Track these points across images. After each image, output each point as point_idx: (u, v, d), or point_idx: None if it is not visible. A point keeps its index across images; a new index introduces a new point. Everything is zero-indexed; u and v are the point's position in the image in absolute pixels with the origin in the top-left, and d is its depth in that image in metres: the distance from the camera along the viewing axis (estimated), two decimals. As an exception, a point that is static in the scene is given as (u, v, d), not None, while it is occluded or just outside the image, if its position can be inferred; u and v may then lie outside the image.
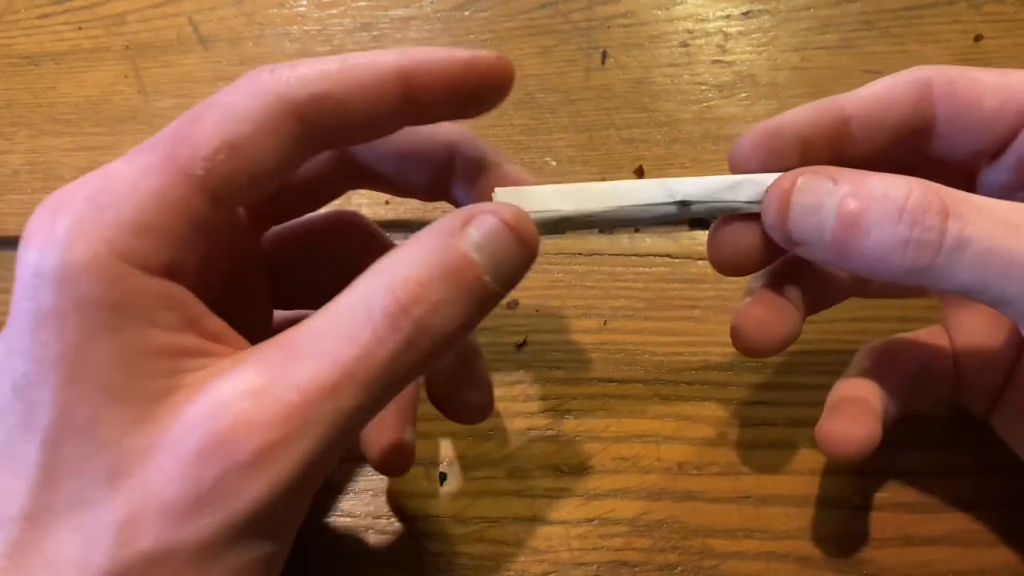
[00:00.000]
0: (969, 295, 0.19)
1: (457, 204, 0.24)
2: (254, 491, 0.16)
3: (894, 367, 0.25)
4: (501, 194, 0.21)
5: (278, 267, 0.24)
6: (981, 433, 0.26)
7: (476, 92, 0.20)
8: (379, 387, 0.17)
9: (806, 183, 0.20)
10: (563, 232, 0.21)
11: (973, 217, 0.19)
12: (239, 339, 0.19)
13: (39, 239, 0.17)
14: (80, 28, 0.42)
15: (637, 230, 0.33)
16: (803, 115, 0.22)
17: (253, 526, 0.17)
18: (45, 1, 0.43)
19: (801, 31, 0.37)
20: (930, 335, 0.26)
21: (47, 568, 0.16)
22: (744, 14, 0.38)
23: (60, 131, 0.39)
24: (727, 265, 0.22)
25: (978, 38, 0.36)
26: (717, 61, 0.37)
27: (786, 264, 0.24)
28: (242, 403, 0.16)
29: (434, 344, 0.17)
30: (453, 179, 0.23)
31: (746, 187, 0.21)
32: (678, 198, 0.21)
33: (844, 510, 0.26)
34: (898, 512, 0.26)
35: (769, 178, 0.21)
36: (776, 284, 0.24)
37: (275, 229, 0.24)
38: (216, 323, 0.19)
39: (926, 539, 0.26)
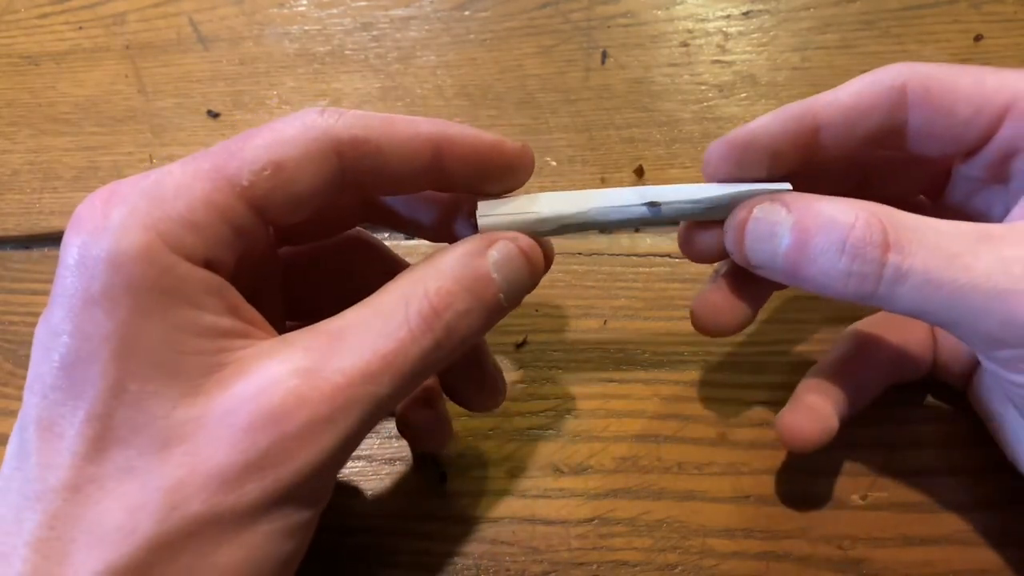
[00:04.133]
0: (914, 317, 0.20)
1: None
2: (300, 460, 0.18)
3: (871, 352, 0.26)
4: (483, 205, 0.22)
5: (291, 282, 0.25)
6: (981, 433, 0.26)
7: (497, 173, 0.22)
8: (409, 377, 0.19)
9: (761, 212, 0.21)
10: (542, 234, 0.22)
11: (914, 248, 0.19)
12: (271, 328, 0.20)
13: (90, 226, 0.18)
14: (80, 28, 0.42)
15: (637, 230, 0.33)
16: (774, 126, 0.23)
17: (294, 493, 0.18)
18: (45, 1, 0.43)
19: (801, 31, 0.37)
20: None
21: (90, 536, 0.17)
22: (744, 14, 0.38)
23: (60, 131, 0.39)
24: (695, 253, 0.24)
25: (978, 38, 0.36)
26: (717, 61, 0.37)
27: None
28: (293, 380, 0.18)
29: (455, 346, 0.20)
30: (457, 218, 0.24)
31: (712, 198, 0.22)
32: (648, 199, 0.22)
33: (844, 510, 0.26)
34: (898, 512, 0.26)
35: (732, 189, 0.22)
36: (738, 270, 0.24)
37: (289, 248, 0.25)
38: (252, 312, 0.20)
39: (926, 539, 0.26)
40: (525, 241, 0.21)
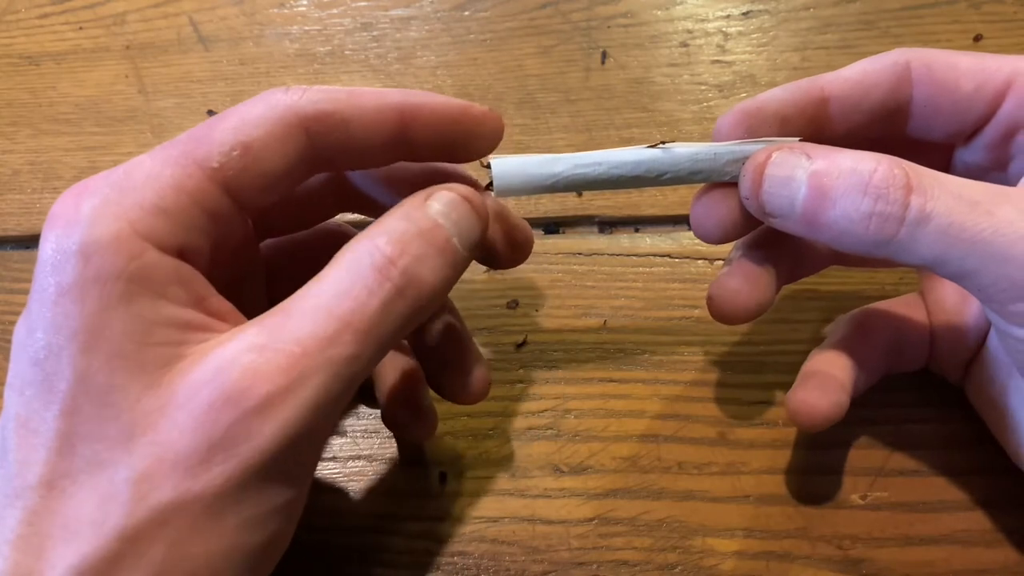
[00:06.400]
0: (931, 268, 0.20)
1: None
2: (264, 435, 0.17)
3: (870, 336, 0.26)
4: (496, 163, 0.22)
5: (272, 276, 0.25)
6: (981, 433, 0.26)
7: (466, 137, 0.22)
8: (374, 335, 0.19)
9: (780, 157, 0.21)
10: (558, 191, 0.23)
11: (936, 193, 0.19)
12: (242, 318, 0.20)
13: (63, 220, 0.18)
14: (80, 28, 0.42)
15: (637, 230, 0.33)
16: (782, 94, 0.23)
17: (265, 471, 0.18)
18: (45, 1, 0.43)
19: (801, 31, 0.37)
20: (907, 304, 0.27)
21: (64, 531, 0.17)
22: (744, 14, 0.38)
23: (60, 131, 0.39)
24: (708, 232, 0.24)
25: (978, 38, 0.36)
26: (717, 61, 0.37)
27: (765, 234, 0.25)
28: (247, 356, 0.18)
29: (420, 294, 0.19)
30: None
31: (724, 151, 0.22)
32: (659, 145, 0.22)
33: (844, 510, 0.26)
34: (898, 512, 0.26)
35: (750, 148, 0.22)
36: (753, 254, 0.24)
37: (269, 241, 0.25)
38: (221, 303, 0.20)
39: (926, 539, 0.26)
40: (463, 188, 0.21)
